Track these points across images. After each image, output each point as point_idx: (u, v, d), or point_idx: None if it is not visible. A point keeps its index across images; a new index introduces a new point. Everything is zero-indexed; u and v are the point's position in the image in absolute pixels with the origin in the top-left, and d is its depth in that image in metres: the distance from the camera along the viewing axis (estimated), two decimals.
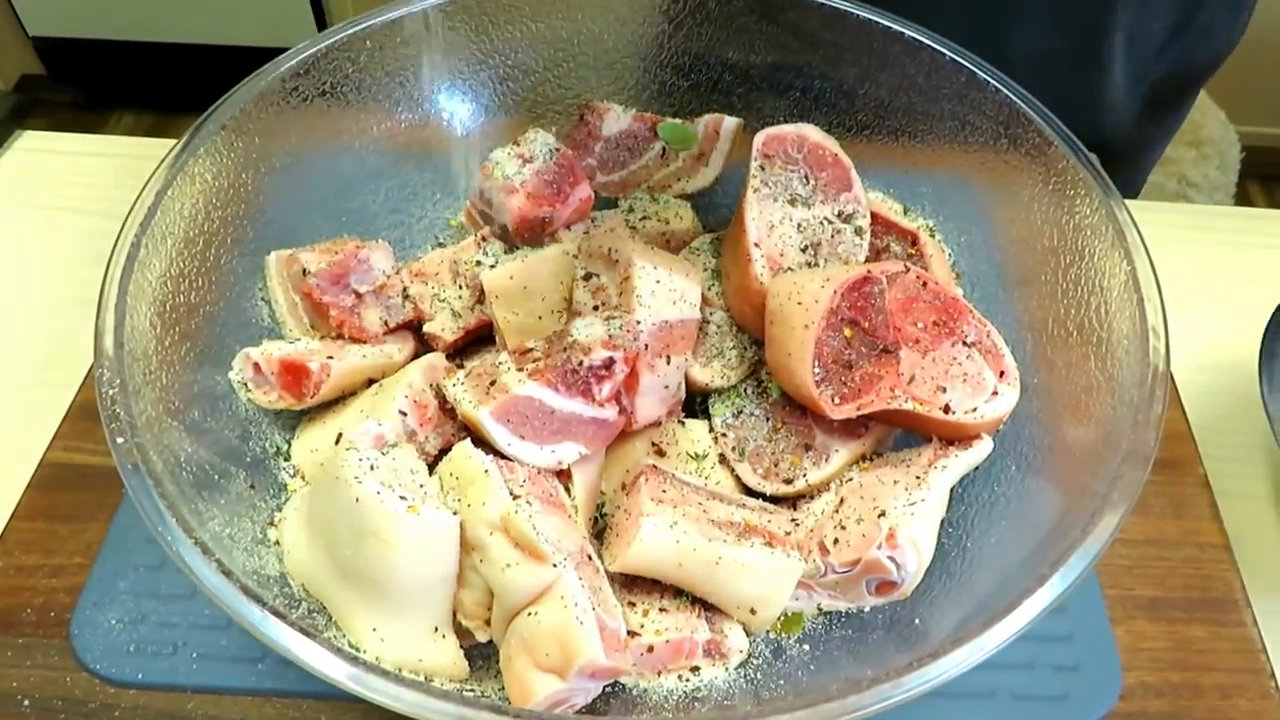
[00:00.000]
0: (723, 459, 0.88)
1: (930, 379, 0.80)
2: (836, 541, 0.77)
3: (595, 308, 0.84)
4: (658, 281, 0.83)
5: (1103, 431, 0.74)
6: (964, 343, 0.81)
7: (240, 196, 0.90)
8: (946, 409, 0.79)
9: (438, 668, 0.72)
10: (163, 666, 0.83)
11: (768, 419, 0.88)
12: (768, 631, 0.80)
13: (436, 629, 0.72)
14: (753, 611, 0.77)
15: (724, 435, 0.88)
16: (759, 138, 0.94)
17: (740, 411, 0.89)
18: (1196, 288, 1.13)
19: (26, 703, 0.82)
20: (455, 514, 0.72)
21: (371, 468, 0.72)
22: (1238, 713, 0.84)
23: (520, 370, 0.79)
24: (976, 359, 0.81)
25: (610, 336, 0.80)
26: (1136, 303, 0.76)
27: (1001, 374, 0.81)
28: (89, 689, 0.82)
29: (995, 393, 0.80)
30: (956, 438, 0.82)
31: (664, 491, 0.79)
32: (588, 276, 0.86)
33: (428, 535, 0.70)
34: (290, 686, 0.82)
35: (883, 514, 0.76)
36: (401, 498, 0.70)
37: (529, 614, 0.69)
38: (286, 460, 0.85)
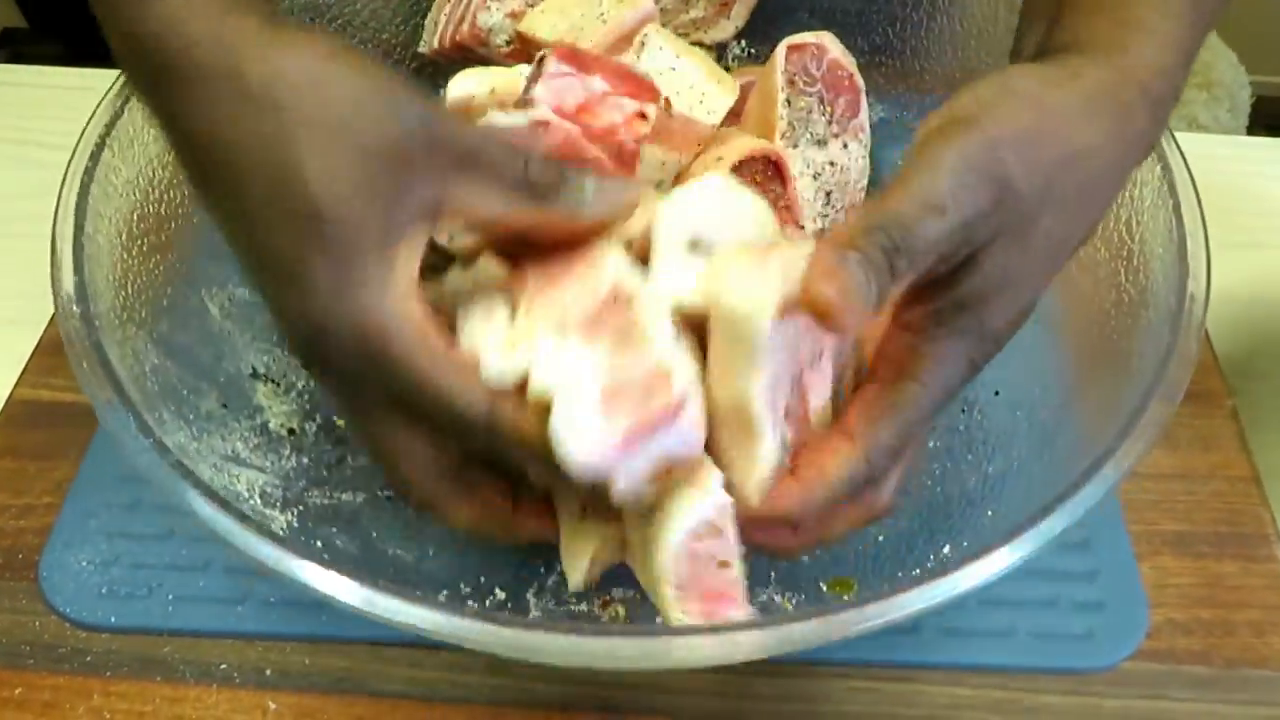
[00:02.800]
0: None
1: None
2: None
3: None
4: None
5: (1139, 342, 0.70)
6: None
7: None
8: None
9: None
10: (137, 609, 0.78)
11: None
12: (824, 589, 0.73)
13: None
14: None
15: None
16: (780, 51, 0.86)
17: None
18: (1218, 216, 1.09)
19: None
20: None
21: None
22: (1271, 650, 0.80)
23: None
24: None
25: None
26: (1172, 208, 0.72)
27: None
28: (59, 633, 0.78)
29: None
30: None
31: None
32: None
33: None
34: (272, 629, 0.78)
35: None
36: None
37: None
38: (264, 383, 0.80)
